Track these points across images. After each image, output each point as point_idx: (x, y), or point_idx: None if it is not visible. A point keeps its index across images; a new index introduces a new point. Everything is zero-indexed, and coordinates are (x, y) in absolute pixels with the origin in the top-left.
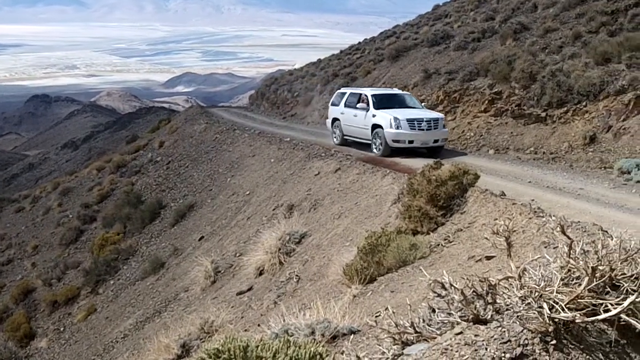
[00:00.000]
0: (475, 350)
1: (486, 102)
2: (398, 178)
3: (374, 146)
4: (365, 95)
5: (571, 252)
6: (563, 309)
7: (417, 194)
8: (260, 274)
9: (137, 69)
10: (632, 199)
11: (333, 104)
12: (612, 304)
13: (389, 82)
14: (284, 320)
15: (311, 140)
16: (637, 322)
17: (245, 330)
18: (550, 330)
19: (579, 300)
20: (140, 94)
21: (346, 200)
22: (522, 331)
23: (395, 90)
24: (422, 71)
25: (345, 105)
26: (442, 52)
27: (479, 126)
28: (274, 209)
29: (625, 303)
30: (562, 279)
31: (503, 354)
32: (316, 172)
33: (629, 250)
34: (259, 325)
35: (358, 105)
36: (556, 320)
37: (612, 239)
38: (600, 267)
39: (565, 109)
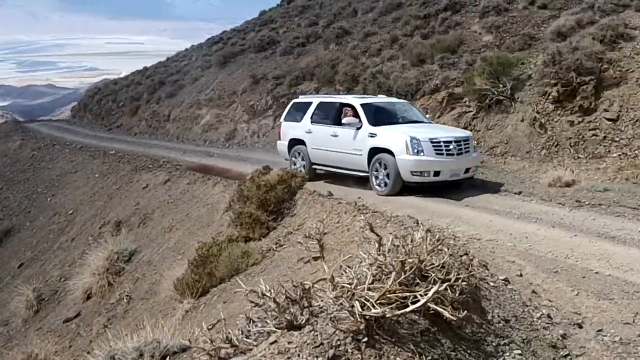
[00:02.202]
0: (289, 358)
1: None
2: (229, 185)
3: (374, 180)
4: (351, 107)
5: (381, 248)
6: (374, 306)
7: (247, 200)
8: (89, 297)
9: None
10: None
11: (289, 119)
12: (421, 295)
13: (217, 88)
14: (110, 346)
15: (138, 151)
16: (444, 309)
17: None
18: (361, 328)
19: (389, 295)
20: None
21: (177, 212)
22: (334, 332)
23: (391, 99)
24: (250, 77)
25: (314, 121)
26: (269, 58)
27: None
28: (100, 227)
29: (430, 293)
30: (373, 276)
31: (316, 359)
32: (144, 184)
33: (434, 241)
34: (88, 353)
35: (344, 121)
36: (367, 317)
37: (419, 232)
38: (410, 260)
39: None
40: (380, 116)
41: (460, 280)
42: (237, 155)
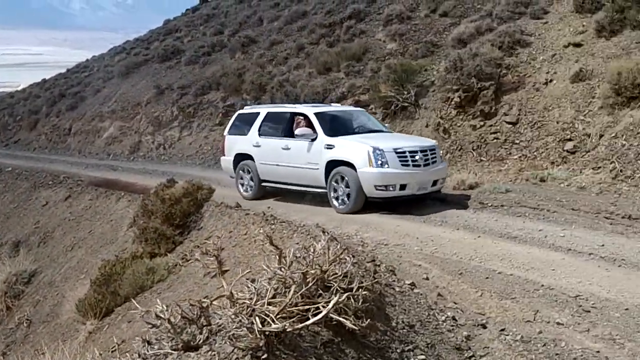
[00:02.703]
0: None
1: (220, 115)
2: (134, 200)
3: (333, 197)
4: (304, 116)
5: (282, 261)
6: (274, 321)
7: (152, 214)
8: None
9: None
10: None
11: (234, 132)
12: (323, 306)
13: (120, 100)
14: None
15: (37, 167)
16: (346, 319)
17: None
18: (261, 344)
19: (290, 309)
20: None
21: (79, 229)
22: (232, 351)
23: (346, 107)
24: (154, 87)
25: (262, 134)
26: (173, 67)
27: (215, 139)
28: None
29: (330, 304)
30: (274, 290)
31: None
32: (44, 202)
33: (336, 250)
34: None
35: (297, 132)
36: (267, 333)
37: (321, 242)
38: (312, 271)
39: None
40: (336, 126)
41: (363, 289)
42: (142, 168)
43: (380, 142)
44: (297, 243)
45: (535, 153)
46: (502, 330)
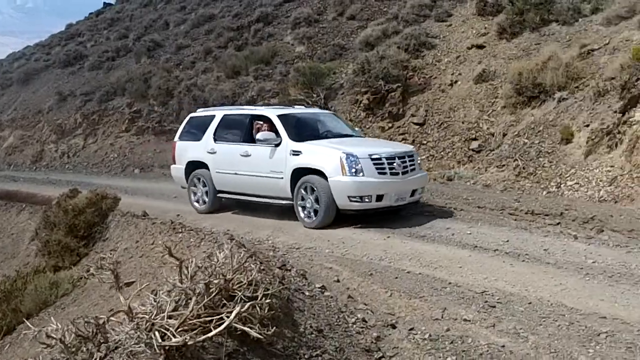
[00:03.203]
0: None
1: (127, 121)
2: (35, 212)
3: (301, 210)
4: (265, 119)
5: (183, 272)
6: (174, 335)
7: (55, 226)
8: None
9: None
10: None
11: (186, 138)
12: (226, 316)
13: (20, 107)
14: None
15: None
16: (251, 328)
17: None
18: None
19: (192, 321)
20: None
21: None
22: None
23: (313, 109)
24: (56, 94)
25: (218, 139)
26: (76, 73)
27: (121, 146)
28: None
29: (232, 314)
30: (175, 302)
31: None
32: None
33: (241, 258)
34: None
35: (258, 137)
36: (167, 347)
37: (224, 250)
38: (215, 281)
39: None
40: (303, 130)
41: (269, 296)
42: (45, 178)
43: (353, 147)
44: (205, 252)
45: (442, 153)
46: (411, 329)
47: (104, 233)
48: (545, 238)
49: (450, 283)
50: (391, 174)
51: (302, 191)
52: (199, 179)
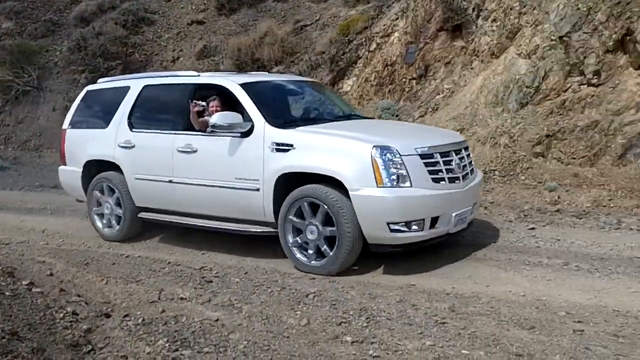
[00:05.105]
0: None
1: None
2: None
3: (293, 245)
4: (223, 91)
5: None
6: None
7: None
8: None
9: None
10: None
11: (82, 125)
12: None
13: None
14: None
15: None
16: None
17: None
18: None
19: None
20: None
21: None
22: None
23: (289, 75)
24: None
25: (137, 125)
26: None
27: None
28: None
29: None
30: None
31: None
32: None
33: None
34: None
35: (213, 120)
36: None
37: None
38: None
39: None
40: (286, 108)
41: None
42: None
43: (387, 136)
44: None
45: None
46: (126, 316)
47: None
48: None
49: (169, 263)
50: (449, 180)
51: (296, 215)
52: (107, 189)
